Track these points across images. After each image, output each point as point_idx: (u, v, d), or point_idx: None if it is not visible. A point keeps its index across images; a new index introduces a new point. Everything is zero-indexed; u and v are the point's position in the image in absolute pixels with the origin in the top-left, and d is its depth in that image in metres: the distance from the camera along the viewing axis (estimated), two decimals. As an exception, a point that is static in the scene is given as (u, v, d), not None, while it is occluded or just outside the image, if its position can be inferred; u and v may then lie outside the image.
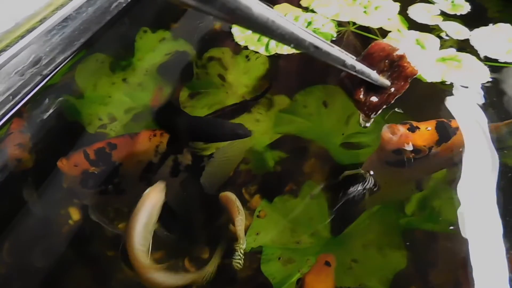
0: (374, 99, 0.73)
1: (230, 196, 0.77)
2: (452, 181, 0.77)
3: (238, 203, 0.75)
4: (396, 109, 0.87)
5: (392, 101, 0.73)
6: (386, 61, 0.72)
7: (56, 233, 0.80)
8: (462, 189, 0.76)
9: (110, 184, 0.81)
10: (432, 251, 0.76)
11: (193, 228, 0.82)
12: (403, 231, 0.78)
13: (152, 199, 0.71)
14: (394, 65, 0.72)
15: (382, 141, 0.75)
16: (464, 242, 0.71)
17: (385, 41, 0.99)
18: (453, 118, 0.83)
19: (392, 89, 0.73)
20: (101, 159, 0.79)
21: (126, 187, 0.82)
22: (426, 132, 0.75)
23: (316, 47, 0.54)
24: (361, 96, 0.72)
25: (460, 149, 0.78)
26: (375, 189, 0.78)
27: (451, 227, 0.74)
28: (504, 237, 0.71)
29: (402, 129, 0.74)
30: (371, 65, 0.71)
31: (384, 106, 0.74)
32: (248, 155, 0.88)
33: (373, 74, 0.70)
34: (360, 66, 0.66)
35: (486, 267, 0.69)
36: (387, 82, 0.72)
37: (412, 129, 0.74)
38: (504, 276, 0.68)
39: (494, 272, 0.69)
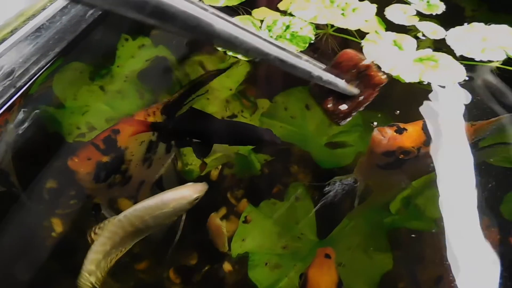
0: (343, 107, 0.74)
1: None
2: (435, 179, 0.78)
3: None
4: (396, 112, 0.87)
5: (362, 109, 0.74)
6: (354, 70, 0.73)
7: (39, 245, 0.78)
8: (445, 186, 0.78)
9: (118, 172, 0.81)
10: (417, 248, 0.77)
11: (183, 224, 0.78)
12: (389, 231, 0.79)
13: (177, 193, 0.68)
14: (362, 74, 0.73)
15: (372, 144, 0.75)
16: (448, 237, 0.72)
17: (363, 43, 1.00)
18: (435, 118, 0.84)
19: (361, 97, 0.74)
20: (110, 147, 0.80)
21: (132, 172, 0.83)
22: (414, 133, 0.76)
23: (282, 61, 0.54)
24: (329, 106, 0.74)
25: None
26: (362, 190, 0.79)
27: (435, 224, 0.75)
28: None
29: (390, 131, 0.74)
30: (340, 74, 0.72)
31: (354, 114, 0.75)
32: (233, 159, 0.87)
33: (341, 84, 0.71)
34: (327, 76, 0.67)
35: (469, 260, 0.70)
36: (355, 91, 0.73)
37: (400, 131, 0.75)
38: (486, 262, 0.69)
39: (477, 264, 0.70)
